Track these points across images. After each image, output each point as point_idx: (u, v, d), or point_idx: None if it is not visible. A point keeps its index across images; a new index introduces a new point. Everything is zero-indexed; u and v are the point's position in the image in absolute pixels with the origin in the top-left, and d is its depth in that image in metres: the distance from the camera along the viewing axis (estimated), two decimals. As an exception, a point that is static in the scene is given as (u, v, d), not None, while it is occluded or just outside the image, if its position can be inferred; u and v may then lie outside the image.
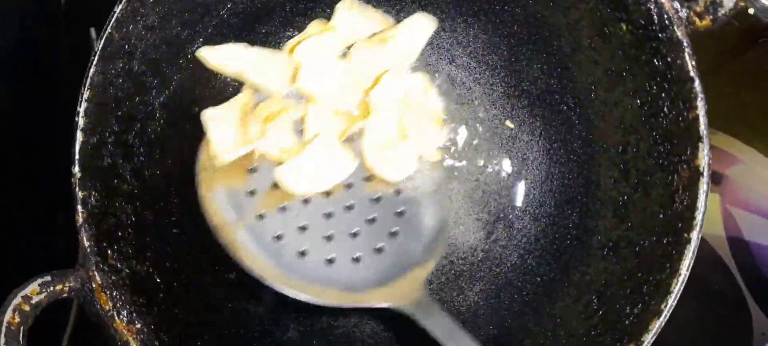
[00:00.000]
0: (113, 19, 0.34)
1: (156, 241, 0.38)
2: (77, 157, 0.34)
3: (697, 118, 0.33)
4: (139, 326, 0.34)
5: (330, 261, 0.39)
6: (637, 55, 0.36)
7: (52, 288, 0.32)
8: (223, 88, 0.41)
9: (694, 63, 0.33)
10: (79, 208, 0.34)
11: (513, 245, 0.42)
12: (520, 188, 0.43)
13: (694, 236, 0.33)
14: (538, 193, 0.42)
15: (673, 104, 0.34)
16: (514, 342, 0.39)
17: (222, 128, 0.39)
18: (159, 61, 0.37)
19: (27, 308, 0.32)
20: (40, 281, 0.32)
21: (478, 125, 0.43)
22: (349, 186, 0.40)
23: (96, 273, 0.33)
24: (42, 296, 0.32)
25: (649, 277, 0.34)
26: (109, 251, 0.34)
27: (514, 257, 0.42)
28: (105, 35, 0.34)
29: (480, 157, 0.43)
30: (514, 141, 0.43)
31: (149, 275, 0.36)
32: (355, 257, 0.39)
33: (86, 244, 0.33)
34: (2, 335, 0.31)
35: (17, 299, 0.32)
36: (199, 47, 0.39)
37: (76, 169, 0.34)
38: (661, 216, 0.35)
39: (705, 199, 0.33)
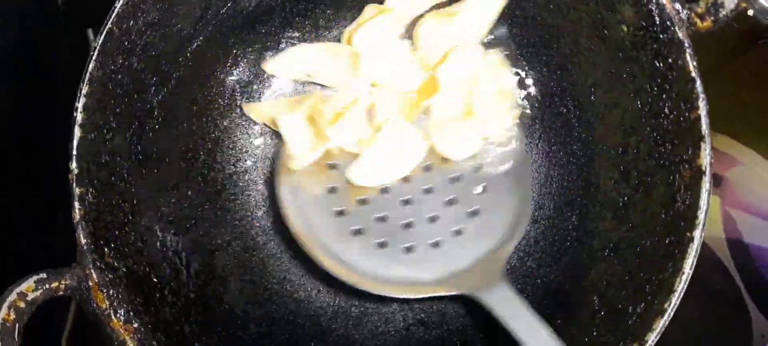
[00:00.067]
0: (114, 15, 0.34)
1: (153, 240, 0.37)
2: (75, 153, 0.33)
3: (698, 118, 0.33)
4: (136, 325, 0.33)
5: (408, 249, 0.38)
6: (637, 56, 0.36)
7: (48, 285, 0.32)
8: (223, 92, 0.42)
9: (695, 63, 0.33)
10: (76, 204, 0.33)
11: (513, 247, 0.42)
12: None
13: (697, 234, 0.33)
14: (538, 195, 0.42)
15: (674, 105, 0.34)
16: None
17: (297, 132, 0.40)
18: (159, 59, 0.37)
19: (22, 304, 0.32)
20: (35, 277, 0.32)
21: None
22: (427, 168, 0.40)
23: (93, 271, 0.33)
24: (38, 293, 0.32)
25: (651, 277, 0.34)
26: (106, 249, 0.34)
27: (513, 260, 0.42)
28: (105, 30, 0.34)
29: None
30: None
31: (146, 274, 0.36)
32: (433, 242, 0.38)
33: (83, 241, 0.33)
34: (-2, 331, 0.31)
35: (13, 296, 0.31)
36: (199, 45, 0.39)
37: (74, 165, 0.33)
38: (663, 216, 0.35)
39: (707, 197, 0.33)
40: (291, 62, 0.41)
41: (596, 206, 0.39)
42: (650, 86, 0.36)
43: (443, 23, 0.40)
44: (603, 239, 0.38)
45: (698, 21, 0.34)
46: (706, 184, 0.33)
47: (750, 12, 0.33)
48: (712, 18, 0.34)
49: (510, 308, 0.34)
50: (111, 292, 0.33)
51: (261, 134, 0.43)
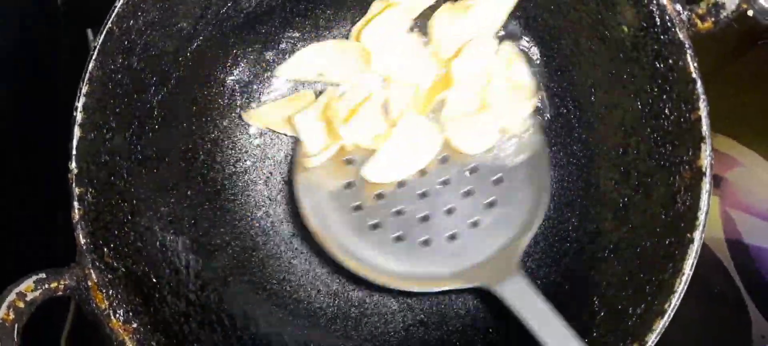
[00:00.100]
0: (114, 14, 0.34)
1: (153, 240, 0.37)
2: (74, 152, 0.33)
3: (699, 119, 0.33)
4: (135, 325, 0.33)
5: (425, 242, 0.38)
6: (638, 57, 0.36)
7: (47, 285, 0.32)
8: (222, 92, 0.41)
9: (696, 64, 0.33)
10: (76, 204, 0.33)
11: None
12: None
13: (697, 235, 0.33)
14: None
15: (675, 106, 0.34)
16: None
17: (312, 131, 0.40)
18: (158, 58, 0.37)
19: (21, 305, 0.32)
20: (34, 278, 0.32)
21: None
22: (443, 160, 0.40)
23: (92, 271, 0.33)
24: (37, 293, 0.32)
25: (651, 277, 0.34)
26: (105, 249, 0.34)
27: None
28: (105, 30, 0.34)
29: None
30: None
31: (146, 274, 0.36)
32: (450, 235, 0.38)
33: (82, 241, 0.33)
34: (-3, 331, 0.31)
35: (12, 296, 0.32)
36: (199, 45, 0.39)
37: (73, 165, 0.33)
38: (663, 217, 0.35)
39: (707, 199, 0.33)
40: (302, 64, 0.41)
41: (596, 206, 0.39)
42: (651, 87, 0.36)
43: (457, 17, 0.40)
44: (603, 239, 0.38)
45: (699, 22, 0.34)
46: (706, 185, 0.33)
47: (750, 13, 0.33)
48: (713, 19, 0.34)
49: (525, 300, 0.34)
50: (110, 292, 0.33)
51: (261, 134, 0.43)
